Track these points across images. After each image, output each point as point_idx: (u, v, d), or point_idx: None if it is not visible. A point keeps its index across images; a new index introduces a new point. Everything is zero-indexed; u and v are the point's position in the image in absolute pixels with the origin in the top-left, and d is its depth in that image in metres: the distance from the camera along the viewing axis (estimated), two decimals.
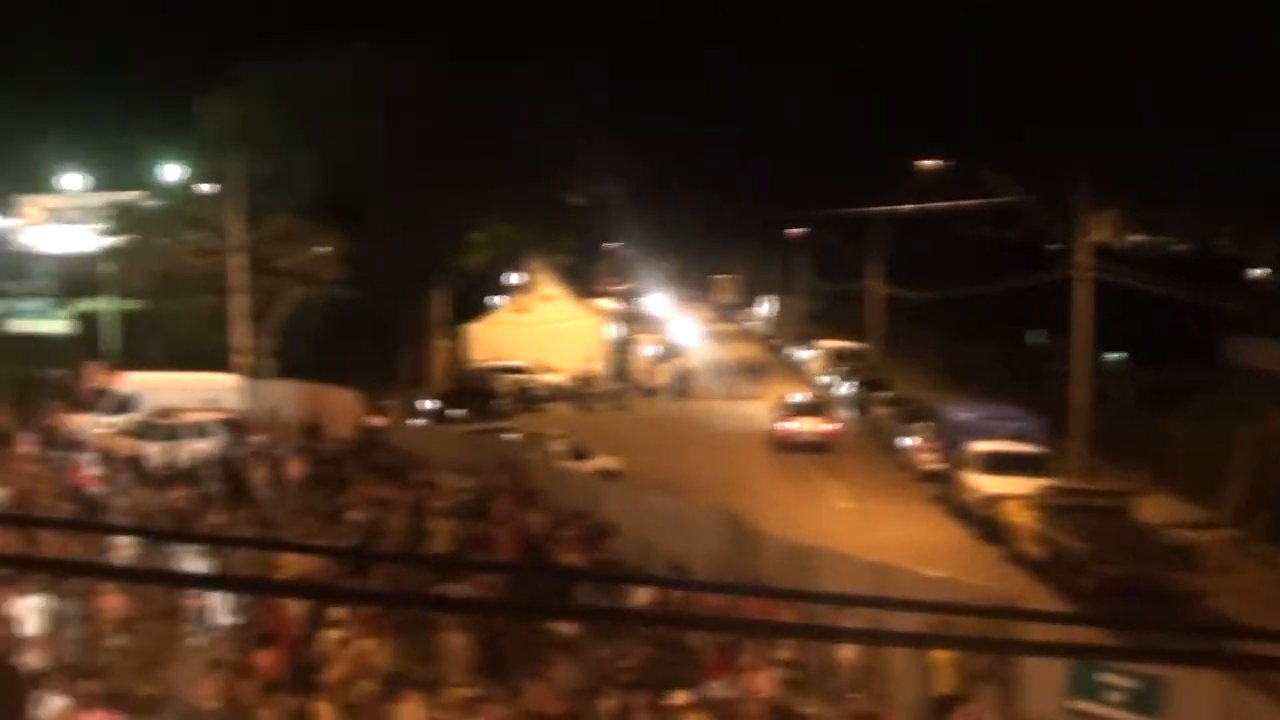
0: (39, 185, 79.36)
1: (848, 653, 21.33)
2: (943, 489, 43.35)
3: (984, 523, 38.21)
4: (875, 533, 37.45)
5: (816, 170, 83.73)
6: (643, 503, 32.75)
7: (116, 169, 71.93)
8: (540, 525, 30.45)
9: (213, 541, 25.33)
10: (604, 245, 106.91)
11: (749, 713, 20.11)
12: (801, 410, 56.05)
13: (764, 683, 20.83)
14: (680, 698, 19.09)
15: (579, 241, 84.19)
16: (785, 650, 21.26)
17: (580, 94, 65.02)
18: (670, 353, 78.42)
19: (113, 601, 23.83)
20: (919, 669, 20.72)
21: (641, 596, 22.18)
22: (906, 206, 70.45)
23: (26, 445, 40.89)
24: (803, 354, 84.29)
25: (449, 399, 58.19)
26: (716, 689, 20.22)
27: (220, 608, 23.81)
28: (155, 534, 28.30)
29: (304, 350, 56.37)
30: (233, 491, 36.47)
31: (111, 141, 68.79)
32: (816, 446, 53.08)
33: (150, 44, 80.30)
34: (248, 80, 60.97)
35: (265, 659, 21.13)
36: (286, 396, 49.52)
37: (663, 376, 73.02)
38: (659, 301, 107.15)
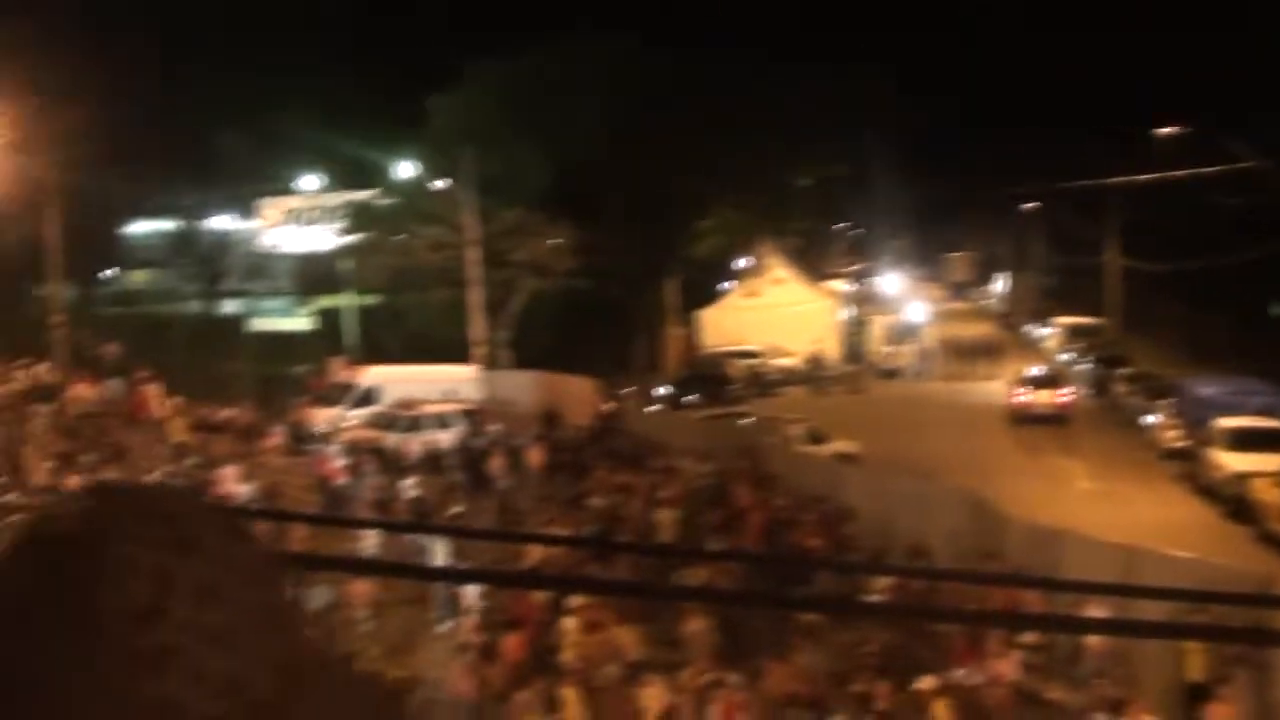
0: (278, 187, 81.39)
1: (1094, 637, 20.89)
2: (1187, 467, 42.18)
3: (1231, 501, 37.10)
4: (1119, 513, 36.61)
5: (1049, 142, 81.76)
6: (883, 486, 32.43)
7: (352, 169, 73.42)
8: (780, 510, 30.40)
9: (454, 534, 25.67)
10: (834, 226, 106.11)
11: (994, 698, 19.85)
12: (1038, 383, 55.51)
13: (1009, 667, 20.53)
14: (926, 683, 18.91)
15: (809, 223, 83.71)
16: (1030, 634, 20.91)
17: (804, 75, 64.46)
18: (905, 333, 77.57)
19: (362, 588, 24.38)
20: (1170, 654, 20.18)
21: (881, 583, 21.99)
22: (1143, 177, 68.79)
23: (275, 439, 42.08)
24: (1039, 331, 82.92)
25: (683, 385, 58.35)
26: (961, 675, 19.99)
27: (467, 592, 24.18)
28: (401, 526, 28.86)
29: (539, 340, 57.02)
30: (473, 480, 37.09)
31: (346, 142, 70.25)
32: (1052, 419, 52.43)
33: (381, 45, 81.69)
34: (476, 77, 61.85)
35: (511, 642, 21.44)
36: (524, 386, 50.13)
37: (898, 358, 72.35)
38: (891, 281, 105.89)
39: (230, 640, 1.21)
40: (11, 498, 28.99)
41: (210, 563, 1.23)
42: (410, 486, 34.34)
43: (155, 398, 46.28)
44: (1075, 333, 73.59)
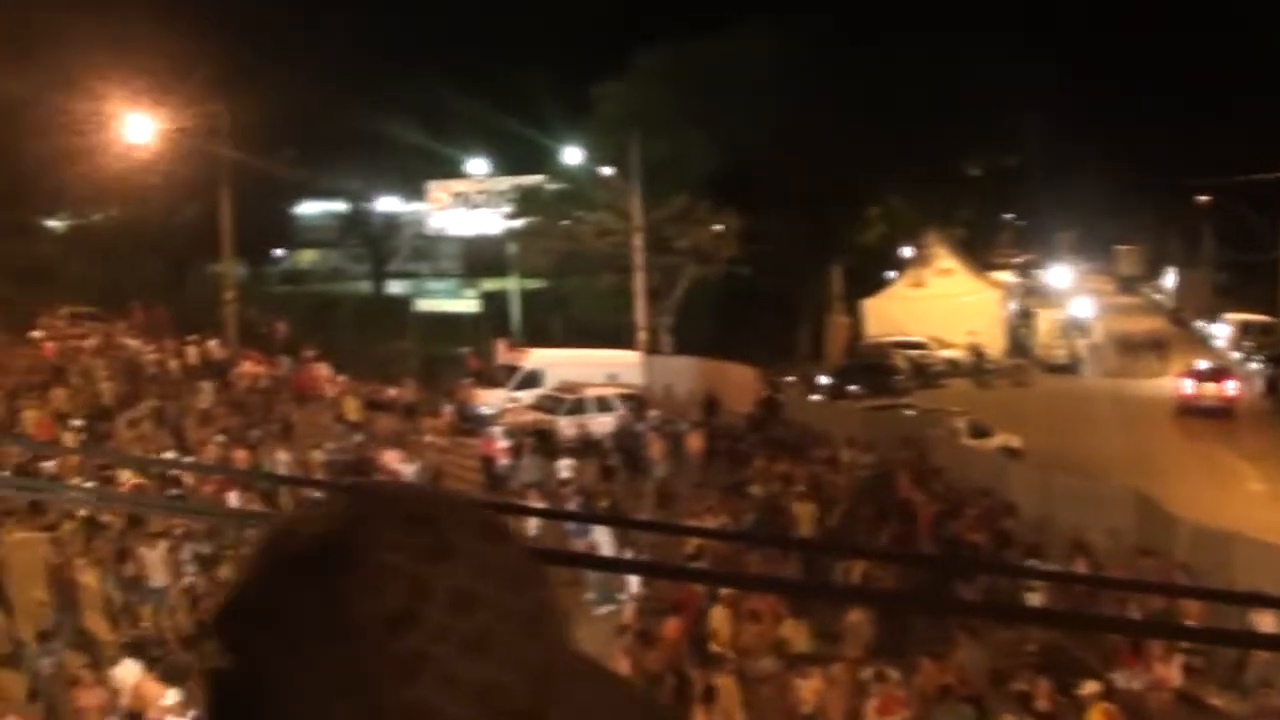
0: (447, 171, 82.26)
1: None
2: None
3: None
4: None
5: (1223, 135, 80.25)
6: (1047, 482, 32.04)
7: (519, 154, 73.95)
8: (944, 503, 30.16)
9: (612, 523, 25.76)
10: (1002, 216, 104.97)
11: (1156, 702, 19.51)
12: (1205, 375, 55.03)
13: (1172, 672, 20.17)
14: (1089, 687, 18.63)
15: (976, 213, 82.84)
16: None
17: (975, 63, 63.83)
18: (1072, 327, 76.53)
19: None
20: None
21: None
22: None
23: (445, 418, 42.74)
24: (1210, 328, 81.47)
25: (846, 374, 57.97)
26: (1124, 678, 19.68)
27: (628, 576, 24.27)
28: (563, 515, 28.97)
29: (701, 327, 57.03)
30: (632, 465, 37.22)
31: (514, 128, 70.86)
32: (1219, 412, 51.90)
33: (550, 31, 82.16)
34: (643, 63, 62.00)
35: (671, 627, 21.48)
36: (685, 372, 50.20)
37: (1064, 352, 71.38)
38: (1058, 274, 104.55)
39: (486, 647, 1.21)
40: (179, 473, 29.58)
41: (467, 569, 1.23)
42: (566, 468, 34.64)
43: (325, 376, 47.20)
44: (1247, 330, 72.16)
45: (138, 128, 51.78)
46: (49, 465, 30.10)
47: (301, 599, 1.20)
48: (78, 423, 36.96)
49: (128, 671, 20.32)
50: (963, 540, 27.00)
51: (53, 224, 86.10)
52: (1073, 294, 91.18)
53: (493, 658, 1.20)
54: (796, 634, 21.47)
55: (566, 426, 40.39)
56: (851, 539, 27.94)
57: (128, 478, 28.51)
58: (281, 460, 33.62)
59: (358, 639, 1.17)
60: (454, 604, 1.20)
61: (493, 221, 75.53)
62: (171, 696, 19.03)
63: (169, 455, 33.49)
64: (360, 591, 1.18)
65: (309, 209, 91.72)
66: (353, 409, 42.28)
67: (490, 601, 1.22)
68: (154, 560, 25.40)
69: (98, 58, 54.75)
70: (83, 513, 26.74)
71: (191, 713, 19.05)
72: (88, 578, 26.02)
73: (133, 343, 50.80)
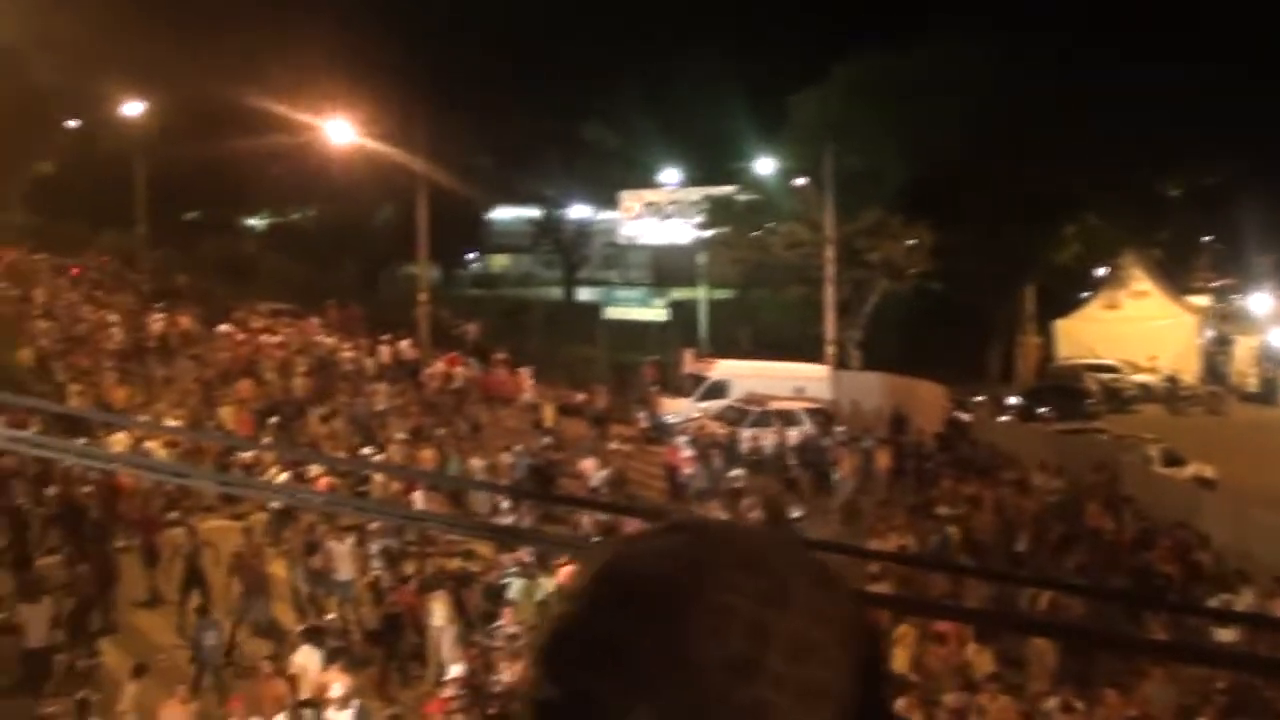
0: (639, 180, 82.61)
1: None
2: None
3: None
4: None
5: None
6: (1242, 515, 31.27)
7: (712, 164, 74.02)
8: (1132, 532, 29.66)
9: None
10: (1201, 239, 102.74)
11: None
12: None
13: None
14: None
15: (1174, 235, 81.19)
16: None
17: (1179, 77, 62.41)
18: (1271, 355, 74.59)
19: None
20: None
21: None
22: None
23: (637, 424, 43.16)
24: None
25: (1036, 395, 57.12)
26: None
27: None
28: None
29: (890, 342, 56.55)
30: (816, 480, 37.08)
31: (707, 138, 71.00)
32: None
33: (745, 43, 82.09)
34: (840, 75, 61.67)
35: None
36: (872, 388, 49.84)
37: (1263, 380, 69.69)
38: (1259, 300, 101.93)
39: (824, 700, 1.19)
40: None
41: (806, 617, 1.21)
42: (739, 477, 34.72)
43: (522, 379, 47.87)
44: None
45: (338, 132, 52.94)
46: (245, 456, 30.79)
47: (640, 636, 1.18)
48: (274, 419, 37.73)
49: (306, 659, 20.74)
50: (1155, 571, 26.49)
51: (253, 222, 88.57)
52: (1272, 321, 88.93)
53: (830, 711, 1.18)
54: (981, 659, 21.21)
55: (751, 438, 40.34)
56: (1039, 565, 27.55)
57: (318, 470, 29.09)
58: (475, 466, 34.04)
59: (698, 681, 1.15)
60: (794, 653, 1.17)
61: (683, 231, 75.70)
62: (337, 689, 19.37)
63: (363, 451, 34.20)
64: (701, 632, 1.16)
65: (503, 214, 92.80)
66: (550, 414, 42.83)
67: (829, 653, 1.20)
68: (342, 553, 25.86)
69: (302, 64, 56.10)
70: (275, 505, 27.33)
71: (356, 702, 19.38)
72: (276, 568, 26.58)
73: (327, 340, 51.80)
